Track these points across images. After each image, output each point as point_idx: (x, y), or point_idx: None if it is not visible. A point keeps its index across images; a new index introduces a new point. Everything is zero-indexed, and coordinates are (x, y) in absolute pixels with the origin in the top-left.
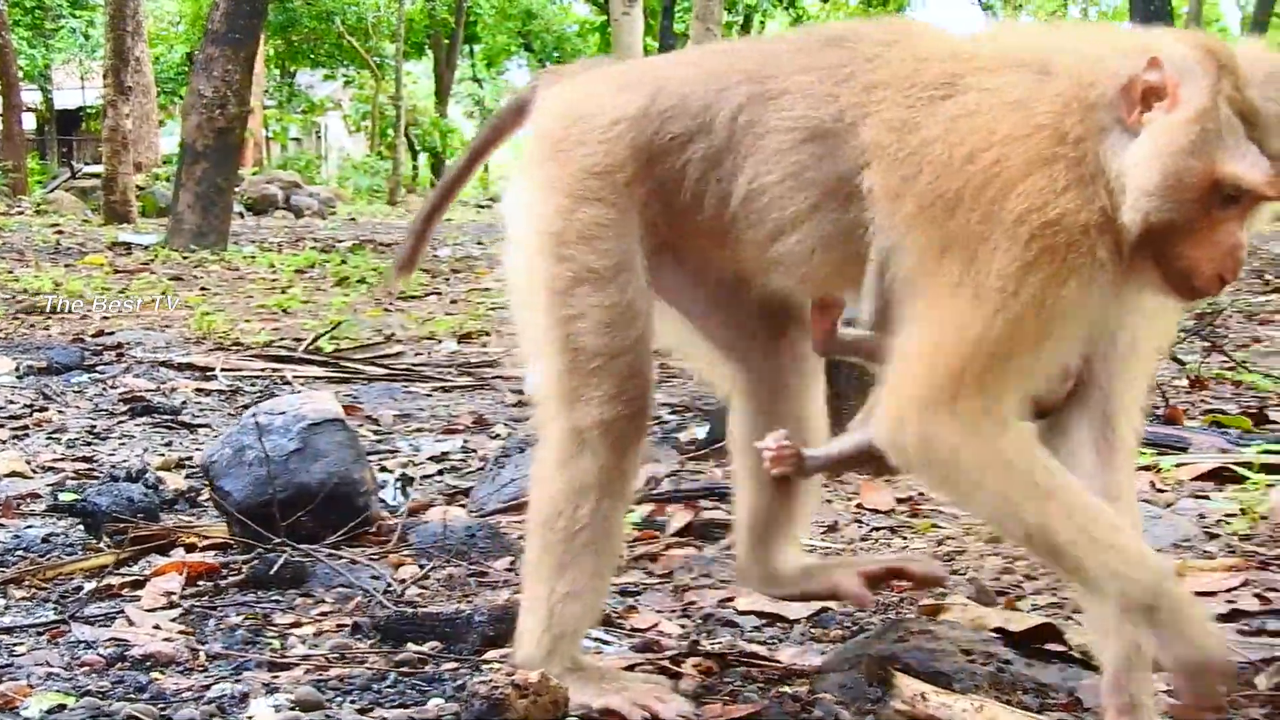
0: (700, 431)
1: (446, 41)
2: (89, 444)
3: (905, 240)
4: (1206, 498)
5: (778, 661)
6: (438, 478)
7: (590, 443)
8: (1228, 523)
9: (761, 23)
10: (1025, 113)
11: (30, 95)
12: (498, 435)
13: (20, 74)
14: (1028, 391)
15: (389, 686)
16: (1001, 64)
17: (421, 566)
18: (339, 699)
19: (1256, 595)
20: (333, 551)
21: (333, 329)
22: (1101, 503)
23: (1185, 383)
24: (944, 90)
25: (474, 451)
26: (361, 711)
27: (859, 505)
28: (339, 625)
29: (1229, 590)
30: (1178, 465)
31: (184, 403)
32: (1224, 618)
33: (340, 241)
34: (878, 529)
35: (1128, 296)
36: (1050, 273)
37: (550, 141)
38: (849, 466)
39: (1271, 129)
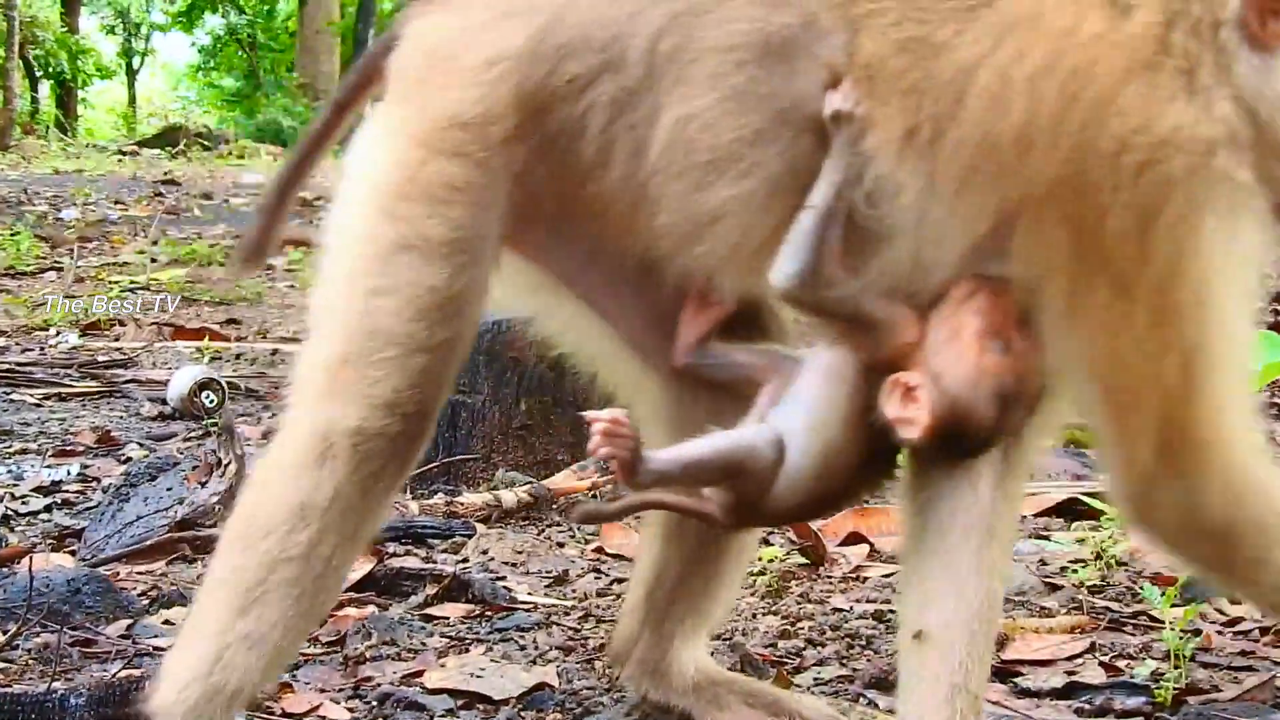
0: None
1: None
2: None
3: (949, 208)
4: (1048, 538)
5: None
6: (45, 515)
7: (338, 454)
8: (1074, 570)
9: None
10: (1111, 16)
11: None
12: (129, 458)
13: None
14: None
15: None
16: None
17: (4, 633)
18: None
19: (1104, 664)
20: None
21: None
22: None
23: None
24: None
25: (95, 481)
26: None
27: (598, 550)
28: None
29: (1070, 658)
30: None
31: None
32: (1058, 693)
33: None
34: (620, 580)
35: None
36: (1180, 216)
37: (408, 80)
38: (693, 483)
39: None
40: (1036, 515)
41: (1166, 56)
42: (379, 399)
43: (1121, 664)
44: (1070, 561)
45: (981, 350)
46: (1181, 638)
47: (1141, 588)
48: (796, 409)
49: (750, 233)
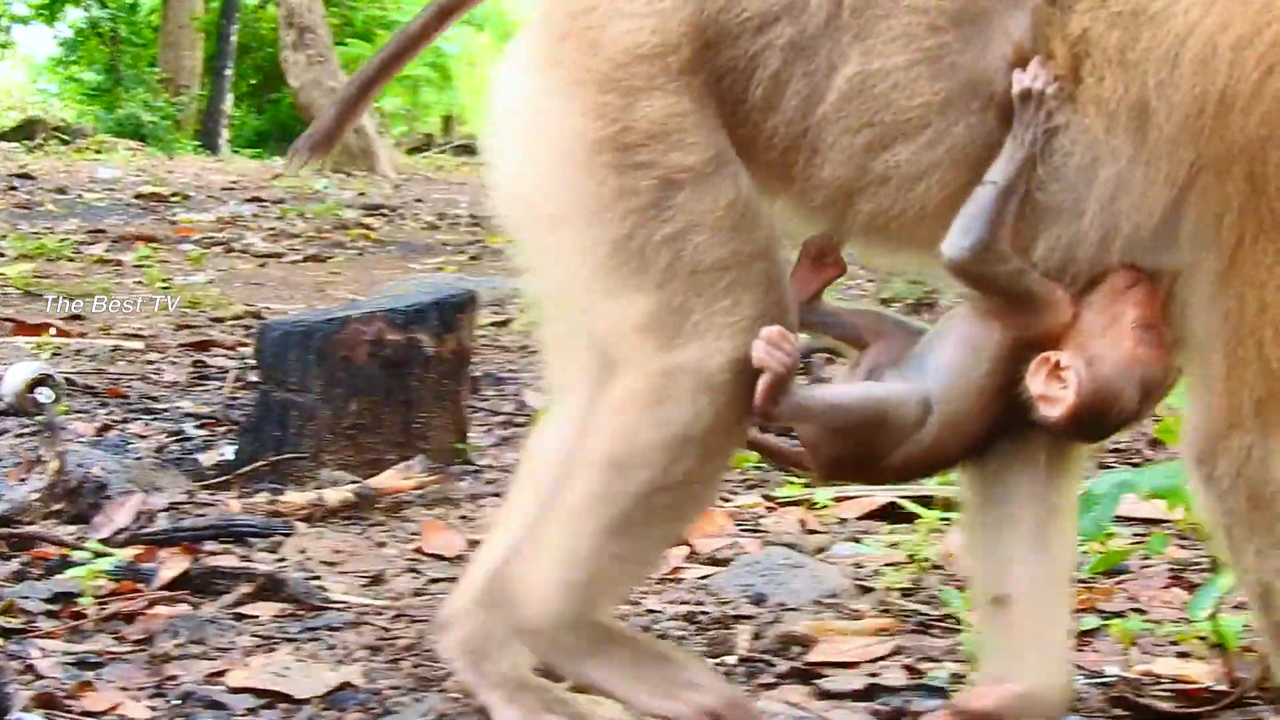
0: (229, 451)
1: None
2: None
3: (1156, 170)
4: (864, 541)
5: None
6: None
7: (717, 386)
8: (884, 573)
9: None
10: None
11: None
12: None
13: None
14: None
15: None
16: None
17: None
18: None
19: (907, 667)
20: None
21: None
22: None
23: None
24: None
25: None
26: None
27: (418, 550)
28: None
29: (874, 660)
30: (838, 500)
31: None
32: (858, 695)
33: None
34: (437, 580)
35: None
36: None
37: (563, 19)
38: (828, 424)
39: None
40: (859, 518)
41: None
42: (744, 319)
43: (924, 667)
44: (885, 565)
45: (1138, 340)
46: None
47: (943, 591)
48: (933, 373)
49: (924, 198)
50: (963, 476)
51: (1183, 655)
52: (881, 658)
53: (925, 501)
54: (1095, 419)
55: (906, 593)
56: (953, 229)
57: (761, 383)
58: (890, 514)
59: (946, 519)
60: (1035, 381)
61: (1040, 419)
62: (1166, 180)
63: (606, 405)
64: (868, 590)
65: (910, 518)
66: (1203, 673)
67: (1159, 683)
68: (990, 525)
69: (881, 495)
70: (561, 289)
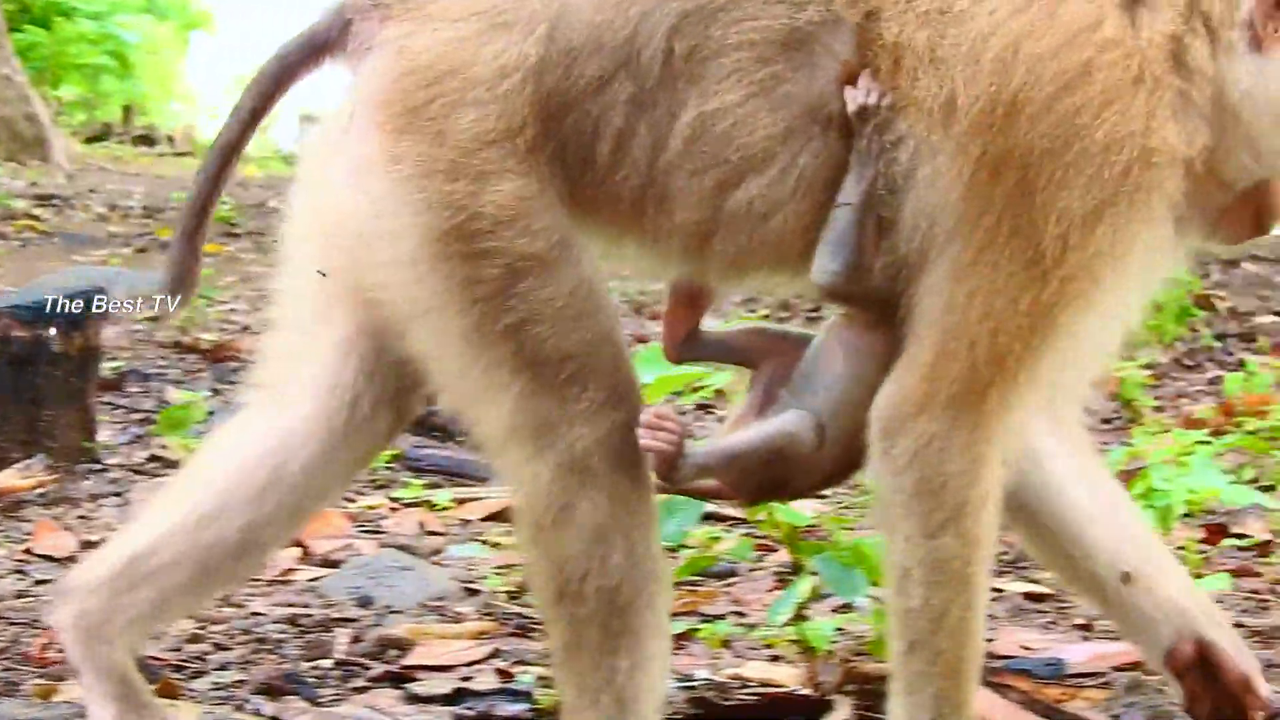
0: None
1: None
2: None
3: (952, 162)
4: (498, 545)
5: None
6: None
7: (594, 472)
8: (496, 575)
9: None
10: (1126, 24)
11: None
12: None
13: None
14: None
15: None
16: None
17: None
18: None
19: (499, 670)
20: None
21: None
22: None
23: None
24: None
25: None
26: None
27: (27, 551)
28: None
29: (470, 664)
30: (460, 501)
31: None
32: (446, 699)
33: None
34: (43, 581)
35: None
36: (1126, 219)
37: (404, 109)
38: (735, 473)
39: None
40: (483, 519)
41: (1174, 73)
42: (593, 406)
43: (517, 670)
44: (497, 567)
45: None
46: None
47: (522, 594)
48: (827, 388)
49: (781, 228)
50: None
51: (775, 659)
52: (477, 661)
53: None
54: None
55: (513, 595)
56: (819, 255)
57: (654, 461)
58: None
59: None
60: None
61: None
62: (959, 173)
63: (523, 536)
64: (475, 593)
65: None
66: (790, 676)
67: (746, 686)
68: (1057, 515)
69: (502, 496)
70: (445, 384)
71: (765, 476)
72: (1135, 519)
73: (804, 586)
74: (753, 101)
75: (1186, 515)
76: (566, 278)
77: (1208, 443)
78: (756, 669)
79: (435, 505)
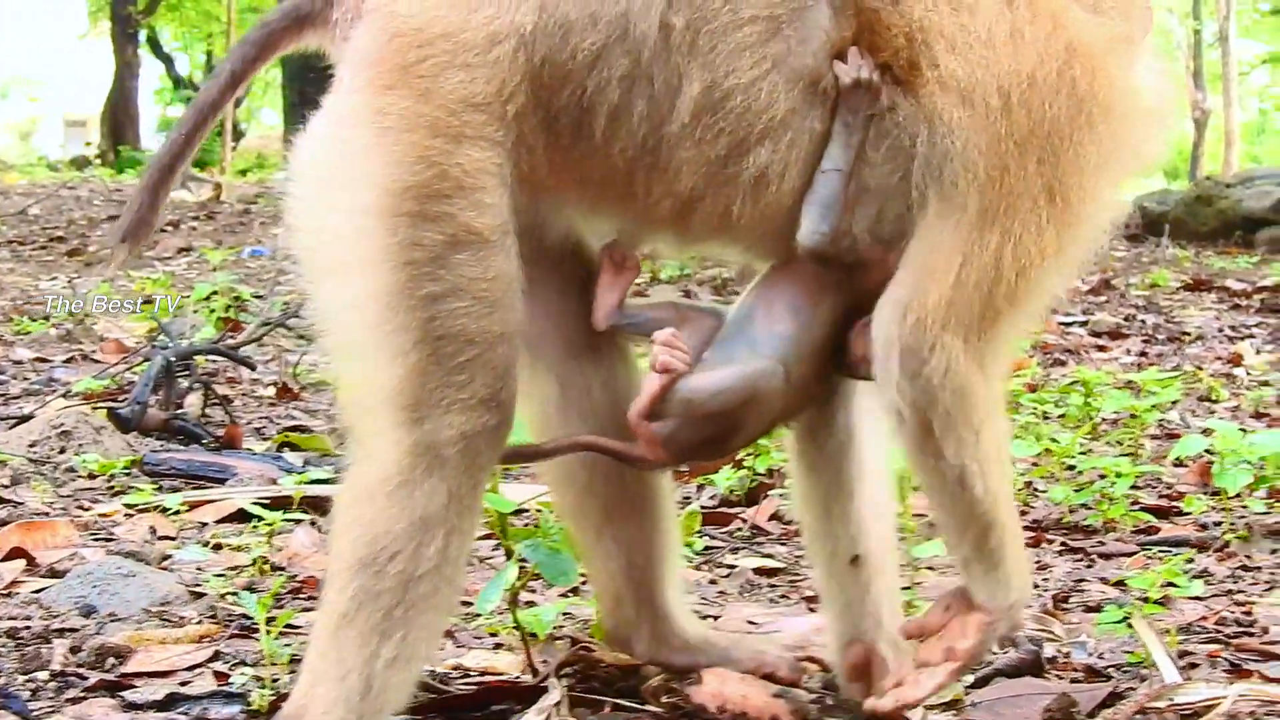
0: None
1: None
2: None
3: (977, 136)
4: (221, 546)
5: None
6: None
7: (446, 462)
8: (224, 577)
9: None
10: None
11: None
12: None
13: None
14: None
15: None
16: None
17: None
18: None
19: (217, 673)
20: None
21: None
22: None
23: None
24: None
25: None
26: None
27: None
28: None
29: (190, 668)
30: (191, 505)
31: None
32: (161, 704)
33: None
34: None
35: None
36: (1116, 179)
37: (393, 66)
38: (712, 412)
39: None
40: (219, 521)
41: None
42: (474, 399)
43: (237, 673)
44: (228, 569)
45: None
46: (278, 643)
47: (238, 595)
48: (771, 346)
49: (779, 193)
50: (796, 448)
51: (498, 647)
52: (196, 665)
53: (281, 504)
54: None
55: (230, 594)
56: (807, 217)
57: (656, 384)
58: (246, 517)
59: (293, 520)
60: (858, 344)
61: (865, 375)
62: (985, 146)
63: (349, 496)
64: (200, 596)
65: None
66: (512, 663)
67: (467, 675)
68: (842, 492)
69: (241, 497)
70: (339, 343)
71: (721, 424)
72: (889, 512)
73: (511, 573)
74: (764, 76)
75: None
76: (497, 264)
77: None
78: (478, 658)
79: (167, 510)
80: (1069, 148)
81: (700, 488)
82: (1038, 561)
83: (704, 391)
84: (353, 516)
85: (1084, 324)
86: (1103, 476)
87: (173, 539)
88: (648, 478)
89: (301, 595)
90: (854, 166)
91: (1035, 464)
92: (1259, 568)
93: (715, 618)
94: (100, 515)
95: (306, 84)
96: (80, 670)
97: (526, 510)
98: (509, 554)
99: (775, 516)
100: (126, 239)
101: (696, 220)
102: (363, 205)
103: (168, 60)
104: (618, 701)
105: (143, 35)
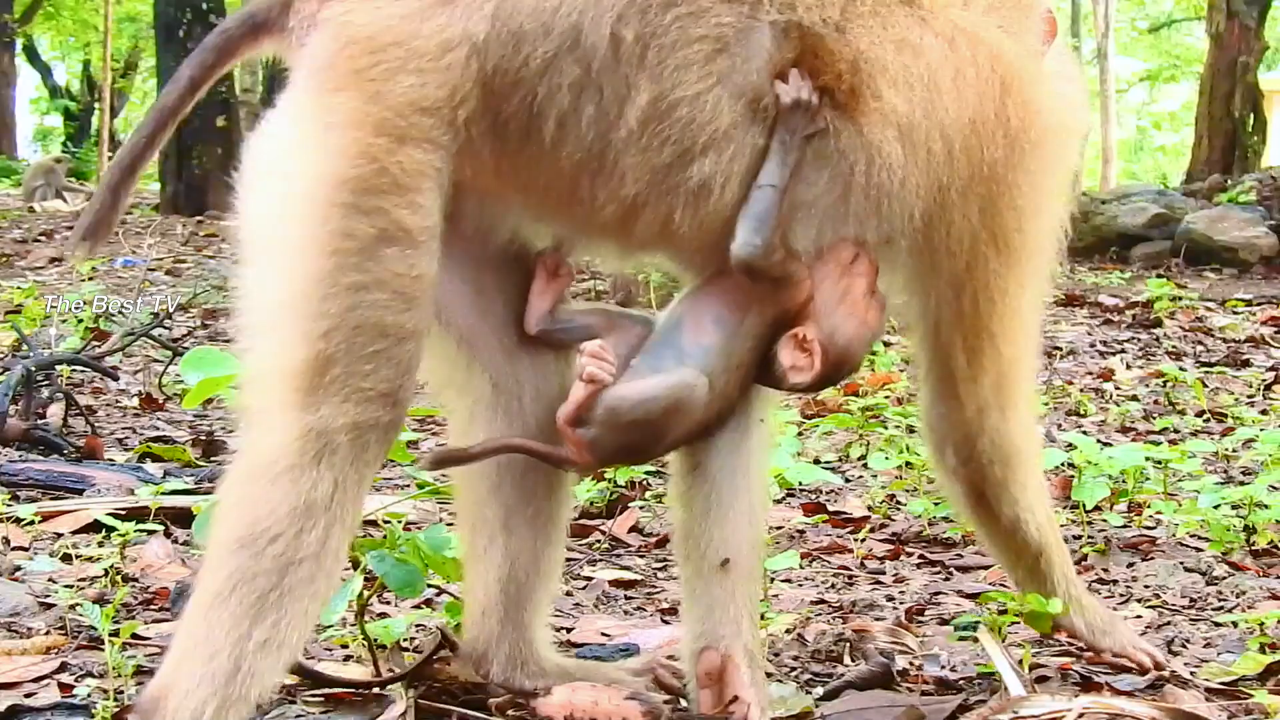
0: None
1: None
2: None
3: (910, 180)
4: (74, 557)
5: None
6: None
7: (336, 451)
8: (74, 588)
9: None
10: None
11: None
12: None
13: None
14: None
15: None
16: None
17: None
18: None
19: (63, 685)
20: None
21: None
22: None
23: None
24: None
25: None
26: None
27: None
28: None
29: (36, 680)
30: (46, 516)
31: None
32: (2, 717)
33: None
34: None
35: None
36: (1051, 205)
37: (345, 70)
38: (637, 420)
39: None
40: (73, 533)
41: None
42: (373, 392)
43: (83, 684)
44: (79, 580)
45: (866, 308)
46: (124, 655)
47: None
48: (696, 356)
49: (718, 203)
50: (682, 457)
51: (348, 658)
52: (42, 677)
53: (137, 515)
54: (834, 378)
55: (75, 606)
56: (741, 230)
57: (582, 393)
58: (101, 528)
59: (147, 531)
60: (785, 355)
61: (790, 385)
62: (919, 189)
63: (236, 475)
64: (49, 607)
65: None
66: (362, 674)
67: (316, 686)
68: (717, 497)
69: (94, 509)
70: (252, 322)
71: (645, 432)
72: (761, 520)
73: (357, 584)
74: (709, 90)
75: (790, 494)
76: (422, 264)
77: (819, 421)
78: (326, 669)
79: (22, 520)
80: (1005, 191)
81: None
82: (895, 574)
83: (629, 400)
84: (237, 495)
85: None
86: None
87: (25, 550)
88: (556, 495)
89: (153, 606)
90: (790, 184)
91: (897, 476)
92: (1115, 580)
93: (569, 629)
94: None
95: None
96: None
97: (375, 522)
98: (355, 564)
99: (635, 529)
100: (87, 238)
101: (639, 227)
102: (300, 192)
103: (45, 69)
104: (465, 712)
105: (19, 44)
